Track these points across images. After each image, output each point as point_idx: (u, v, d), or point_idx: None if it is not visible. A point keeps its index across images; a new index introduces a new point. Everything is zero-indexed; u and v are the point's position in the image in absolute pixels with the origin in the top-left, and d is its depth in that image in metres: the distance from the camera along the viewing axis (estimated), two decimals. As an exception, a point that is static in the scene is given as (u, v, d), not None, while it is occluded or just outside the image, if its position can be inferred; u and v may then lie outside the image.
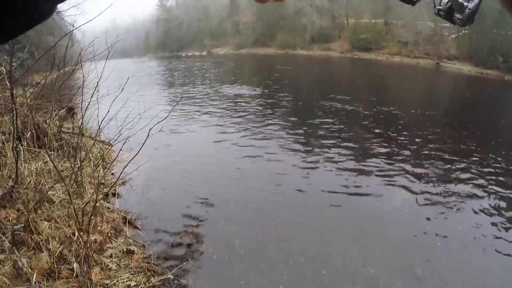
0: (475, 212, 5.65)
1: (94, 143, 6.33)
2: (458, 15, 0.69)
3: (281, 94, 15.69)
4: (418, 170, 7.16)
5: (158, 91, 18.58)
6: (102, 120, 4.73)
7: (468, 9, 0.66)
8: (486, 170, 7.37)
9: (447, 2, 0.72)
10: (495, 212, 5.65)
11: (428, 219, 5.36)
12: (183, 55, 56.04)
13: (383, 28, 38.56)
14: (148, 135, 3.42)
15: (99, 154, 6.16)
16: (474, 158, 8.10)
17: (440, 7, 0.73)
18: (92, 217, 3.31)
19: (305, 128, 10.30)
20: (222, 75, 25.66)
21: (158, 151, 7.84)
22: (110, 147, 6.44)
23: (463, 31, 35.99)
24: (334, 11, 42.30)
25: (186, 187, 6.02)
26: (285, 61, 35.24)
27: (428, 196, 6.09)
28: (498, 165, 7.64)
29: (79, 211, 3.24)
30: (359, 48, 38.64)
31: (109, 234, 3.87)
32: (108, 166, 5.71)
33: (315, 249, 4.40)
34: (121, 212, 4.81)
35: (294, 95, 15.97)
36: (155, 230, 4.57)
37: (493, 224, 5.30)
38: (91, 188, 4.61)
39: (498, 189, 6.46)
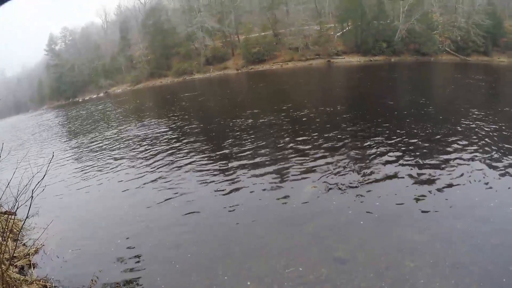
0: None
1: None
2: None
3: (191, 124, 14.36)
4: (329, 160, 7.56)
5: (61, 145, 15.89)
6: (5, 188, 4.42)
7: None
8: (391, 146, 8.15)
9: None
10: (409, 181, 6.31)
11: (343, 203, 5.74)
12: (80, 100, 51.22)
13: (273, 39, 39.04)
14: (32, 197, 3.43)
15: (4, 226, 5.19)
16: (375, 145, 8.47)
17: None
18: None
19: (223, 151, 9.62)
20: (126, 116, 21.89)
21: (66, 209, 7.35)
22: (13, 216, 5.52)
23: (347, 28, 37.67)
24: (225, 31, 41.48)
25: (100, 240, 5.75)
26: (185, 88, 32.81)
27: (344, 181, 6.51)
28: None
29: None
30: (253, 61, 38.41)
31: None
32: (16, 237, 5.65)
33: (237, 268, 4.45)
34: (40, 281, 4.57)
35: (205, 120, 14.87)
36: (78, 290, 4.38)
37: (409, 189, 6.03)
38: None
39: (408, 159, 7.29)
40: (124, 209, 6.80)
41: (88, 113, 27.55)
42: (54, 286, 4.53)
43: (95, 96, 51.42)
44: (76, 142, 15.11)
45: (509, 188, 5.94)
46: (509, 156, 7.18)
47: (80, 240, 5.83)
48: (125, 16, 56.77)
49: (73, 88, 55.46)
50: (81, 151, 12.98)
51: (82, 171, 10.06)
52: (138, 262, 4.88)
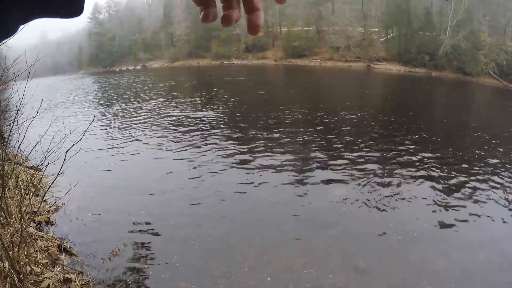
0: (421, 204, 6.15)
1: (21, 169, 5.91)
2: None
3: (227, 112, 14.42)
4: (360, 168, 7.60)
5: (99, 110, 16.60)
6: (36, 144, 4.46)
7: None
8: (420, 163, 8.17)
9: None
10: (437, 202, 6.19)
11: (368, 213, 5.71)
12: (117, 70, 52.89)
13: (315, 35, 39.01)
14: (65, 158, 3.36)
15: (28, 181, 5.46)
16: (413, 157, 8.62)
17: None
18: (25, 247, 3.42)
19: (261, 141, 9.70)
20: (167, 92, 22.32)
21: (93, 174, 7.43)
22: (39, 172, 5.94)
23: (391, 35, 37.44)
24: (268, 20, 41.85)
25: (122, 210, 5.75)
26: (222, 73, 33.18)
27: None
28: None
29: (8, 243, 3.32)
30: (293, 55, 38.71)
31: (45, 264, 3.82)
32: (38, 193, 5.68)
33: (256, 260, 4.40)
34: (55, 240, 4.57)
35: (241, 110, 14.77)
36: (93, 256, 4.36)
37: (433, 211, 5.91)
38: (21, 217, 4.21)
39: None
40: (150, 183, 6.80)
41: (128, 83, 28.46)
42: (69, 247, 4.49)
43: (132, 67, 53.06)
44: (114, 110, 15.65)
45: None
46: None
47: (102, 206, 5.83)
48: (171, -7, 57.78)
49: (111, 57, 57.30)
50: (117, 120, 13.34)
51: (114, 139, 10.33)
52: (157, 237, 4.86)
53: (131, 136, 10.58)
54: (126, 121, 12.97)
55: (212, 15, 0.41)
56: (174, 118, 13.01)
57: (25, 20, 0.27)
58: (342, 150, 8.86)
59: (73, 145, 3.49)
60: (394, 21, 36.99)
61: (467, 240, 5.17)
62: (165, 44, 50.98)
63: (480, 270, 4.50)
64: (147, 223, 5.22)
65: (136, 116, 13.72)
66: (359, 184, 6.72)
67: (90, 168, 7.66)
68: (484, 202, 6.37)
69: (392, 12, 37.46)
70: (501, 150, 9.78)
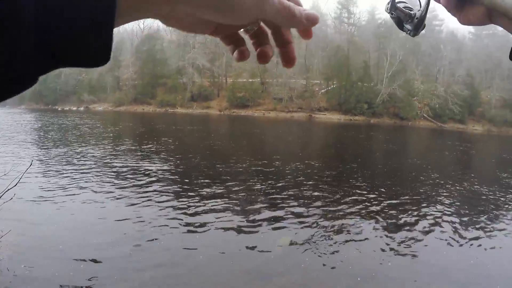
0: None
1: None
2: (408, 26, 0.66)
3: (170, 161, 13.60)
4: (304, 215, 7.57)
5: (38, 151, 14.85)
6: None
7: (416, 18, 0.63)
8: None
9: (393, 14, 0.68)
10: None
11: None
12: (59, 109, 49.84)
13: (259, 86, 39.59)
14: None
15: None
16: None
17: (392, 14, 0.68)
18: None
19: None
20: (114, 140, 20.14)
21: (26, 223, 6.75)
22: None
23: (331, 87, 38.83)
24: (214, 71, 41.98)
25: (58, 261, 5.28)
26: (167, 121, 31.84)
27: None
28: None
29: None
30: (237, 105, 38.57)
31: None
32: None
33: None
34: None
35: (183, 160, 14.02)
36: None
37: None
38: None
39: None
40: (88, 236, 6.38)
41: (73, 125, 26.42)
42: None
43: (75, 108, 50.52)
44: (55, 153, 14.10)
45: (485, 249, 6.39)
46: (481, 219, 8.04)
47: (36, 257, 5.44)
48: (121, 37, 57.02)
49: (54, 95, 54.40)
50: (58, 165, 12.15)
51: (54, 185, 9.48)
52: None
53: (72, 183, 9.79)
54: (68, 166, 11.90)
55: (247, 53, 0.42)
56: (119, 167, 12.11)
57: (47, 71, 0.27)
58: (288, 199, 8.75)
59: (6, 190, 3.36)
60: (335, 74, 38.53)
61: (419, 274, 5.36)
62: (111, 87, 49.33)
63: None
64: (86, 276, 4.85)
65: (79, 163, 12.65)
66: (306, 231, 6.72)
67: (25, 216, 7.10)
68: (431, 237, 6.76)
69: (332, 66, 39.06)
70: (448, 186, 10.96)
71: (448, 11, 0.55)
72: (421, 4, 0.64)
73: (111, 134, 22.21)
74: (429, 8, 0.62)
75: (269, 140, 22.28)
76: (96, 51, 0.26)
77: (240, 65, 42.74)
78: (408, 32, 0.67)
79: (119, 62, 51.71)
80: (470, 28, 50.83)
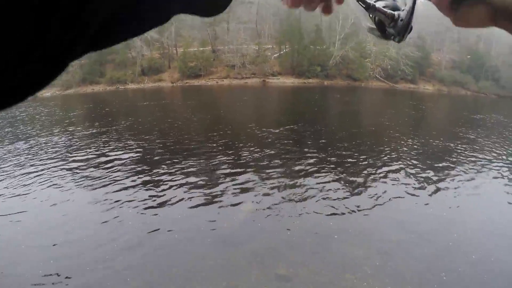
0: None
1: None
2: (391, 30, 0.54)
3: (125, 140, 12.68)
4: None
5: None
6: None
7: (401, 20, 0.52)
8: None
9: (374, 18, 0.56)
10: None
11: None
12: None
13: (211, 55, 38.25)
14: None
15: None
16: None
17: (370, 26, 0.57)
18: None
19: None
20: (68, 123, 18.37)
21: None
22: None
23: (284, 51, 38.24)
24: (164, 42, 40.05)
25: (28, 257, 5.02)
26: (118, 99, 29.91)
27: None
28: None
29: None
30: (189, 76, 37.08)
31: None
32: None
33: None
34: None
35: (138, 137, 13.05)
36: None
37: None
38: None
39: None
40: (57, 229, 5.92)
41: (30, 115, 23.63)
42: None
43: (20, 98, 47.24)
44: (15, 148, 12.61)
45: (439, 199, 6.84)
46: (428, 171, 8.49)
47: (4, 257, 5.10)
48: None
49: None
50: (14, 158, 11.09)
51: (14, 180, 8.51)
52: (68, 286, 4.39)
53: (36, 178, 8.80)
54: (30, 160, 10.71)
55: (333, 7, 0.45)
56: (76, 152, 11.18)
57: (179, 11, 0.28)
58: (247, 166, 8.71)
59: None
60: (287, 38, 37.84)
61: (378, 227, 5.66)
62: (56, 71, 46.15)
63: (394, 250, 4.99)
64: (57, 274, 4.60)
65: (42, 153, 11.42)
66: (264, 195, 6.80)
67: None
68: (384, 192, 6.97)
69: (284, 30, 38.35)
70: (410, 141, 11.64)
71: (440, 10, 0.45)
72: (406, 2, 0.52)
73: (67, 121, 19.96)
74: (415, 7, 0.51)
75: (224, 108, 21.58)
76: None
77: (190, 33, 41.20)
78: (392, 38, 0.55)
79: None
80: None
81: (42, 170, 9.36)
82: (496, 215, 6.38)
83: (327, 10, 0.47)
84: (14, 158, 10.94)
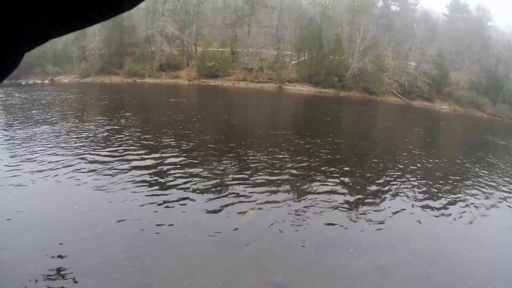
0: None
1: None
2: None
3: (141, 133, 12.72)
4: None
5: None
6: None
7: None
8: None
9: None
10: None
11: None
12: (23, 83, 46.58)
13: (229, 56, 38.37)
14: None
15: None
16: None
17: None
18: None
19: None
20: (88, 111, 18.92)
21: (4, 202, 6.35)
22: None
23: (302, 58, 38.31)
24: (184, 39, 40.37)
25: (37, 238, 5.18)
26: (135, 92, 30.58)
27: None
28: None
29: None
30: (207, 75, 37.29)
31: None
32: None
33: (176, 284, 4.32)
34: None
35: (155, 132, 13.03)
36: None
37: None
38: None
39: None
40: (65, 213, 6.04)
41: (50, 99, 23.46)
42: None
43: (39, 81, 47.40)
44: (27, 131, 12.45)
45: (443, 223, 6.72)
46: (434, 190, 8.48)
47: (13, 238, 5.19)
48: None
49: (18, 69, 51.16)
50: (27, 142, 10.96)
51: (19, 163, 8.54)
52: (70, 272, 4.46)
53: (42, 160, 8.91)
54: (40, 142, 10.74)
55: None
56: (91, 138, 11.44)
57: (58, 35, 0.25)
58: (256, 170, 8.72)
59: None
60: (306, 46, 37.86)
61: (380, 243, 5.56)
62: (77, 57, 46.70)
63: (394, 267, 4.95)
64: (59, 257, 4.75)
65: (53, 138, 11.47)
66: (269, 200, 6.79)
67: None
68: (394, 209, 6.94)
69: (304, 37, 38.36)
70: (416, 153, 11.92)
71: None
72: None
73: (83, 108, 20.32)
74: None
75: (241, 110, 21.73)
76: None
77: (210, 33, 41.46)
78: None
79: (84, 31, 48.98)
80: (445, 10, 51.61)
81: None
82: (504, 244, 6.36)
83: None
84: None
